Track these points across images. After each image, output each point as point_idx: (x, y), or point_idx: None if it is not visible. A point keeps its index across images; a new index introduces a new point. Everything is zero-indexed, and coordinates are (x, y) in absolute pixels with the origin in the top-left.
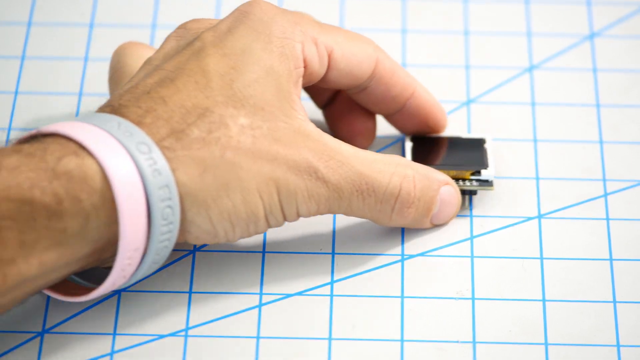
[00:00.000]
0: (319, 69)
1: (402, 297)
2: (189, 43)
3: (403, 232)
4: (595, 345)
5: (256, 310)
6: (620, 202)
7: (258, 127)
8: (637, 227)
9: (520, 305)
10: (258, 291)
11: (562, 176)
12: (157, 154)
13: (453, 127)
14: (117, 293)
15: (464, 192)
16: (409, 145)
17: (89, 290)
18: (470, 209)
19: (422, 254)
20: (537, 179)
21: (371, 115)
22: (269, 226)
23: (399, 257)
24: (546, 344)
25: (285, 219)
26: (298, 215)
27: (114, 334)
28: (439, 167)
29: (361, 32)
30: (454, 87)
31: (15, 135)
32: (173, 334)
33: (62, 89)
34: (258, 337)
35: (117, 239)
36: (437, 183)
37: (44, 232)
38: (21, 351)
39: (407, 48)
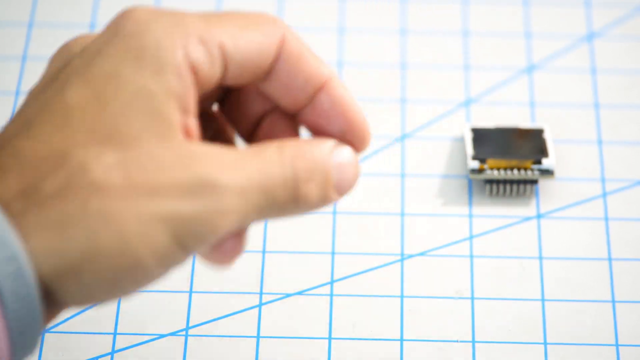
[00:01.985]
0: (212, 70)
1: (402, 297)
2: (58, 70)
3: (402, 232)
4: (594, 344)
5: (256, 310)
6: (620, 202)
7: (130, 161)
8: (636, 227)
9: (519, 305)
10: (258, 291)
11: (561, 176)
12: (2, 220)
13: (453, 127)
14: None
15: (525, 182)
16: (468, 136)
17: None
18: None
19: (422, 254)
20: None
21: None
22: (167, 270)
23: (399, 257)
24: (545, 343)
25: (186, 251)
26: (208, 239)
27: (114, 333)
28: (500, 157)
29: (361, 32)
30: (454, 87)
31: None
32: (173, 334)
33: None
34: (258, 337)
35: None
36: (328, 149)
37: None
38: None
39: (407, 48)
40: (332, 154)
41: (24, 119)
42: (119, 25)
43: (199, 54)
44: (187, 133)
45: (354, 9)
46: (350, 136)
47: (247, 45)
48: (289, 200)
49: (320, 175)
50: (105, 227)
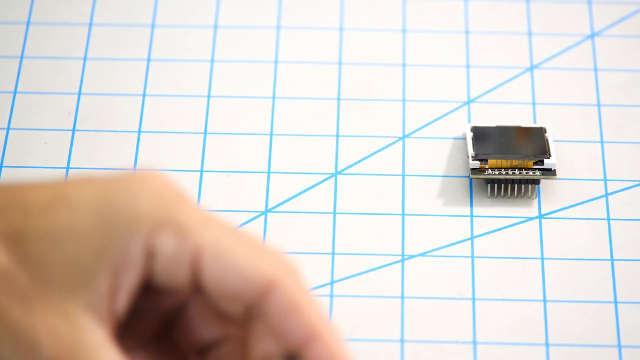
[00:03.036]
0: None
1: (402, 297)
2: None
3: (403, 232)
4: (596, 345)
5: None
6: (621, 202)
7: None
8: (638, 227)
9: (520, 306)
10: None
11: (562, 176)
12: None
13: (454, 127)
14: None
15: (527, 182)
16: (469, 135)
17: None
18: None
19: (422, 254)
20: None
21: None
22: None
23: (399, 257)
24: (547, 344)
25: None
26: None
27: None
28: (501, 157)
29: (361, 32)
30: (454, 87)
31: (13, 135)
32: None
33: (61, 89)
34: None
35: None
36: None
37: None
38: None
39: (407, 48)
40: None
41: None
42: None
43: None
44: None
45: (354, 9)
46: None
47: (230, 266)
48: None
49: None
50: None
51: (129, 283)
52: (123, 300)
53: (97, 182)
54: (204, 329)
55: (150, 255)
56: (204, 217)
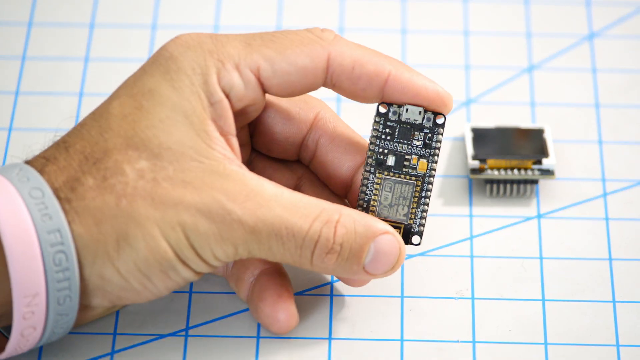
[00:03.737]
0: (247, 94)
1: (402, 297)
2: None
3: None
4: (594, 344)
5: None
6: (620, 202)
7: (161, 169)
8: (636, 227)
9: (519, 305)
10: None
11: (561, 176)
12: (50, 199)
13: (454, 127)
14: None
15: (526, 182)
16: (469, 136)
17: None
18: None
19: (422, 254)
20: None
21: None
22: (195, 272)
23: None
24: (546, 343)
25: (206, 263)
26: (217, 259)
27: (114, 333)
28: (500, 157)
29: (361, 32)
30: (454, 87)
31: (15, 135)
32: (173, 334)
33: (62, 89)
34: (258, 337)
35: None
36: (372, 231)
37: None
38: None
39: (407, 48)
40: (373, 238)
41: (80, 122)
42: (164, 48)
43: (230, 79)
44: (232, 149)
45: (354, 9)
46: (432, 108)
47: (288, 68)
48: (302, 257)
49: (349, 254)
50: (134, 224)
51: (227, 117)
52: (233, 130)
53: (148, 70)
54: (278, 128)
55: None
56: (243, 45)
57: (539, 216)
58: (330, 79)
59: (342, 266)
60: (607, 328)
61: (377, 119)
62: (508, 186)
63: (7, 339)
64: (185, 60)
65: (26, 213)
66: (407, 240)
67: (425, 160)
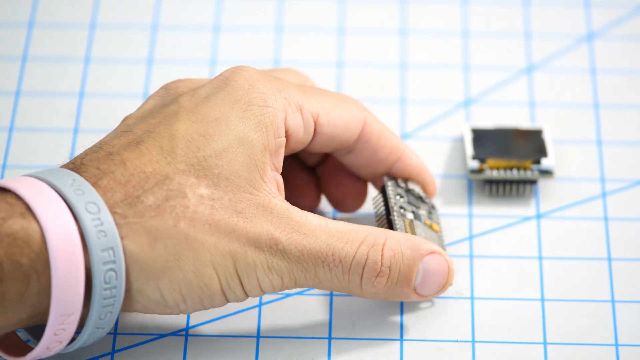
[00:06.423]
0: (303, 137)
1: None
2: (165, 105)
3: None
4: (593, 344)
5: (256, 309)
6: (619, 202)
7: (219, 198)
8: (636, 226)
9: (519, 305)
10: None
11: (560, 176)
12: (105, 215)
13: (453, 127)
14: None
15: (525, 182)
16: (468, 136)
17: (26, 350)
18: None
19: None
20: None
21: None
22: (228, 301)
23: None
24: (545, 343)
25: (246, 293)
26: (262, 290)
27: (115, 333)
28: (499, 157)
29: (361, 33)
30: (453, 87)
31: (16, 136)
32: (173, 334)
33: (63, 90)
34: (258, 337)
35: None
36: (420, 252)
37: None
38: None
39: (407, 48)
40: (420, 259)
41: (132, 137)
42: (229, 78)
43: (296, 120)
44: (277, 186)
45: (354, 9)
46: (425, 189)
47: (336, 121)
48: (351, 283)
49: (399, 276)
50: (188, 247)
51: (280, 154)
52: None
53: (210, 101)
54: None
55: (287, 130)
56: (302, 90)
57: (538, 216)
58: (358, 142)
59: (393, 290)
60: (606, 328)
61: (389, 184)
62: (507, 186)
63: (22, 341)
64: (256, 93)
65: (77, 230)
66: None
67: (437, 224)
